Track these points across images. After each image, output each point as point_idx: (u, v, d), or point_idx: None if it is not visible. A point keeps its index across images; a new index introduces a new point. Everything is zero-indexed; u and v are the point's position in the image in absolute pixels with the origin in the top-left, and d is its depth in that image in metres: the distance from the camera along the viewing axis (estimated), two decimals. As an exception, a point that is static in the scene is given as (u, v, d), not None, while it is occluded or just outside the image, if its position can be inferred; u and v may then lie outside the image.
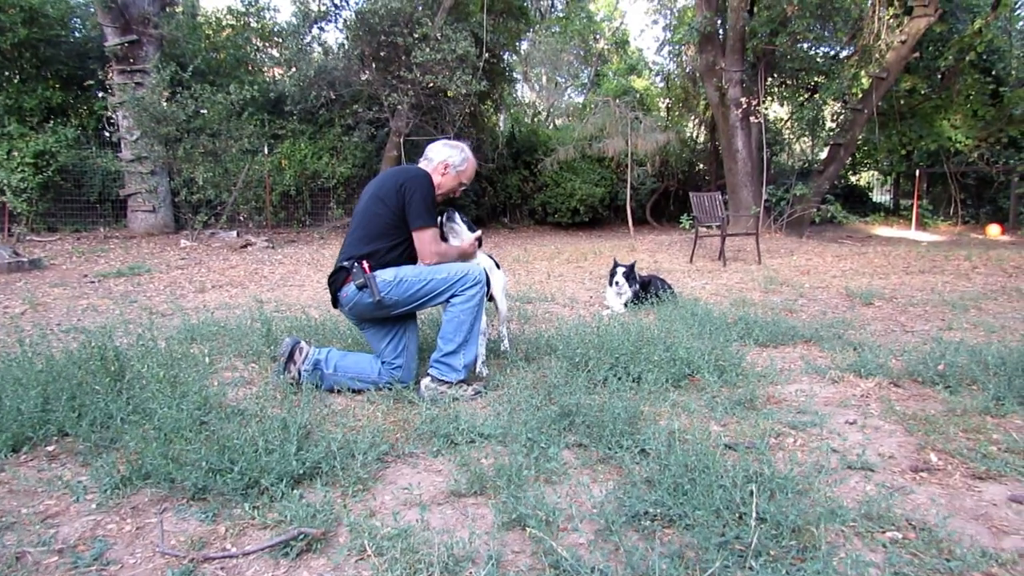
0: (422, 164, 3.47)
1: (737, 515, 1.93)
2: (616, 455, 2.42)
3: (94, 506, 2.20)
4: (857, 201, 20.96)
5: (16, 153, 11.57)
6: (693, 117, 20.47)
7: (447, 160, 3.44)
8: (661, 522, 1.99)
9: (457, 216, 3.59)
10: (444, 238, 3.53)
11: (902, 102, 16.94)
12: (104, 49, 12.15)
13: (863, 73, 14.03)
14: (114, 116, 12.62)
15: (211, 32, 15.81)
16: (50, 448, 2.64)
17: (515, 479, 2.22)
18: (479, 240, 3.67)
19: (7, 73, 12.67)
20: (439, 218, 3.52)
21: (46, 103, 12.73)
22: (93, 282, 7.58)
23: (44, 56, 12.86)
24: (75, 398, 2.83)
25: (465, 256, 3.52)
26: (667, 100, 21.38)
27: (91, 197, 12.81)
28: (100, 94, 12.96)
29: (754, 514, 1.86)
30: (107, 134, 13.11)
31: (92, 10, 12.87)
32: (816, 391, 3.35)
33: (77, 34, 13.87)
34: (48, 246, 10.52)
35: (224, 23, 16.18)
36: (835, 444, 2.62)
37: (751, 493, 2.00)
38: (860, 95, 13.81)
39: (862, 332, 4.76)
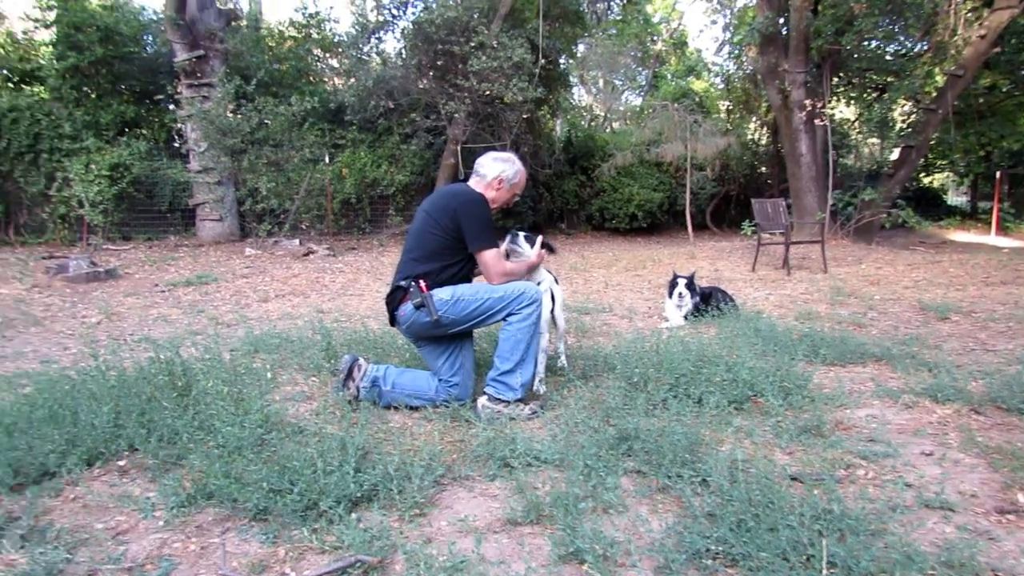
0: (473, 181, 3.46)
1: (804, 557, 1.85)
2: (676, 485, 2.35)
3: (161, 523, 2.26)
4: (930, 204, 20.11)
5: (93, 166, 12.11)
6: (754, 119, 20.00)
7: (500, 175, 3.42)
8: (723, 561, 1.92)
9: (520, 239, 3.54)
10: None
11: (980, 100, 16.13)
12: (173, 64, 12.63)
13: (937, 71, 13.45)
14: (183, 128, 13.10)
15: (273, 44, 16.26)
16: (121, 463, 2.73)
17: (572, 509, 2.18)
18: (549, 247, 3.63)
19: (85, 89, 13.28)
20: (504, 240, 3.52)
21: (120, 117, 13.31)
22: (163, 291, 7.85)
23: (119, 72, 13.45)
24: (144, 414, 2.92)
25: (532, 268, 3.51)
26: (727, 102, 20.96)
27: (162, 207, 13.31)
28: (170, 107, 13.47)
29: (824, 559, 1.78)
30: (177, 146, 13.61)
31: (162, 27, 13.40)
32: (888, 417, 3.19)
33: (148, 50, 14.44)
34: (123, 255, 10.95)
35: (286, 35, 16.62)
36: (910, 479, 2.48)
37: (819, 533, 1.92)
38: (934, 94, 13.24)
39: (938, 351, 4.52)
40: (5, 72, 13.98)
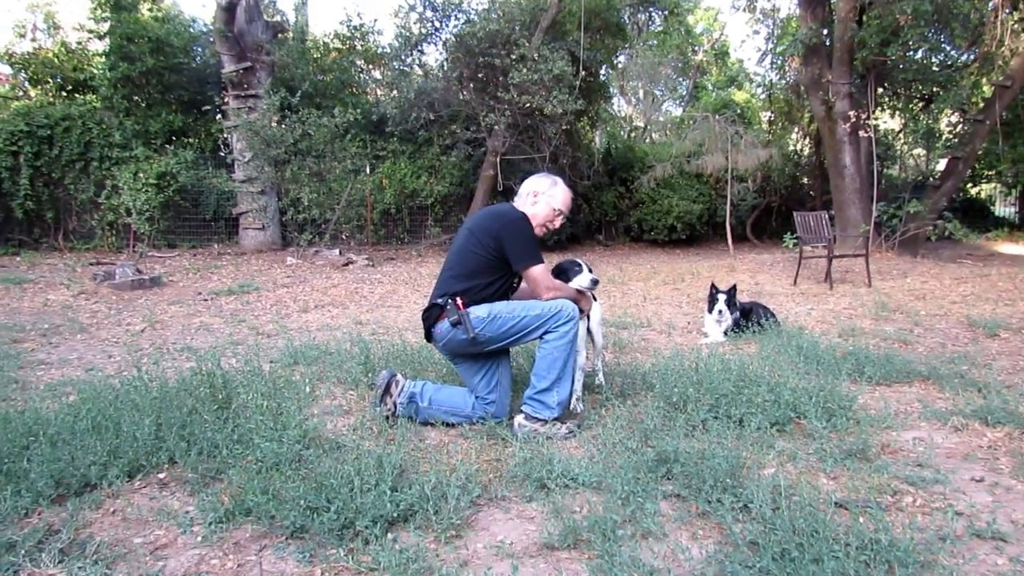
0: (516, 201, 3.49)
1: (852, 592, 1.79)
2: (717, 511, 2.29)
3: (199, 539, 2.26)
4: (977, 216, 19.52)
5: (141, 174, 12.44)
6: (797, 130, 19.69)
7: (535, 188, 3.45)
8: (767, 595, 1.86)
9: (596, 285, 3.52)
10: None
11: (1030, 110, 15.69)
12: (221, 75, 12.92)
13: (984, 81, 13.09)
14: (229, 138, 13.38)
15: (318, 56, 16.52)
16: (161, 476, 2.75)
17: (610, 535, 2.14)
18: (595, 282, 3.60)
19: (136, 99, 13.65)
20: (574, 275, 3.48)
21: (169, 126, 13.66)
22: (206, 300, 7.99)
23: (168, 83, 13.80)
24: (185, 426, 2.94)
25: (581, 301, 3.47)
26: (769, 113, 20.67)
27: (207, 215, 13.61)
28: (217, 117, 13.77)
29: (873, 598, 1.71)
30: (223, 155, 13.91)
31: (211, 39, 13.73)
32: (936, 441, 3.09)
33: (197, 61, 14.81)
34: (168, 262, 11.20)
35: (331, 47, 16.89)
36: (960, 507, 2.38)
37: (866, 564, 1.86)
38: (981, 104, 12.89)
39: (987, 370, 4.37)
40: (59, 81, 14.47)
